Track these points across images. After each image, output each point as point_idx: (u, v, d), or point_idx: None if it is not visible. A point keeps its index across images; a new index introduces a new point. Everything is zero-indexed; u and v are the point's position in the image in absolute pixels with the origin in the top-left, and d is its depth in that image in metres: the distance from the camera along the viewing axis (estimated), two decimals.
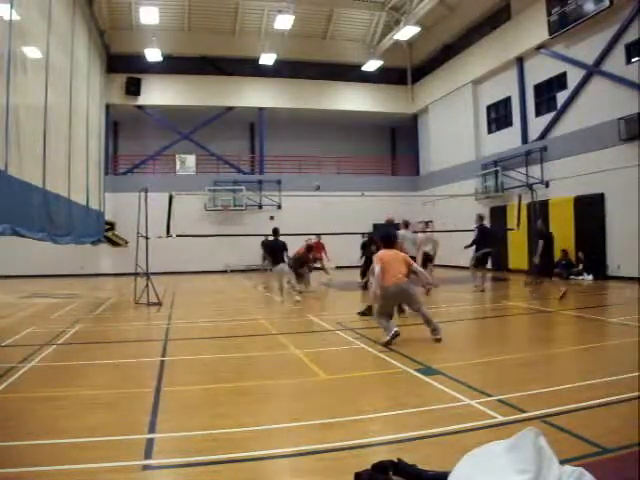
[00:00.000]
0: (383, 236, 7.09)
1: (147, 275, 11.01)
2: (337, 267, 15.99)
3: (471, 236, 13.00)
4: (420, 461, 2.63)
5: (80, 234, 13.26)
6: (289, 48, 22.32)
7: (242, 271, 21.41)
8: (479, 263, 12.53)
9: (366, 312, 8.32)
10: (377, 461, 2.58)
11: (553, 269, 10.99)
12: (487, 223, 15.00)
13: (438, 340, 6.37)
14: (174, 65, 22.29)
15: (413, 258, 11.95)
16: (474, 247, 12.63)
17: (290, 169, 23.99)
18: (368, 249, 13.54)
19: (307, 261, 13.48)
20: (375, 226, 21.41)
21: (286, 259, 11.50)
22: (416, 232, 12.76)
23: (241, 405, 4.15)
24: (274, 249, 11.52)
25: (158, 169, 22.96)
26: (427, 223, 13.81)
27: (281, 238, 11.64)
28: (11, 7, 8.17)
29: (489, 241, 12.72)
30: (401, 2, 20.54)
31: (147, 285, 10.84)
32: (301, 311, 9.76)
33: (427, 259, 12.53)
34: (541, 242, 10.50)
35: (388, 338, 6.18)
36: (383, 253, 6.68)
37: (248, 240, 20.51)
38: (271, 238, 11.97)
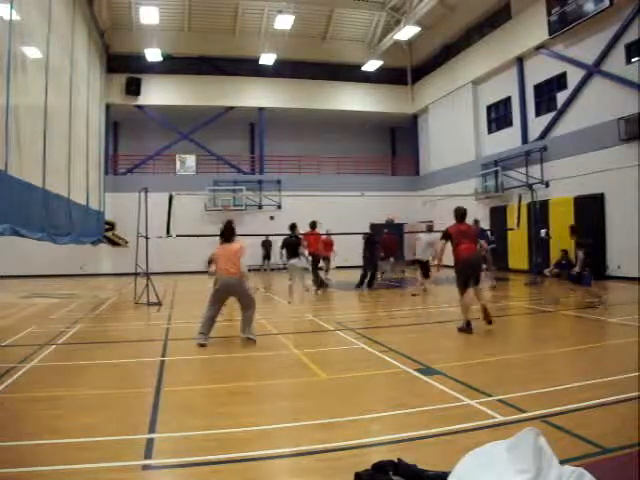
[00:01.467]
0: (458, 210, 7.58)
1: (147, 275, 11.01)
2: (336, 267, 15.97)
3: None
4: (420, 461, 2.63)
5: (80, 234, 13.27)
6: (289, 48, 22.33)
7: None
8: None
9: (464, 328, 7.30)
10: (377, 461, 2.57)
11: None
12: (483, 226, 15.01)
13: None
14: (174, 65, 22.30)
15: (424, 263, 12.45)
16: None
17: (290, 169, 23.99)
18: (368, 248, 13.58)
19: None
20: (375, 226, 21.43)
21: (301, 255, 11.19)
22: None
23: (241, 405, 4.15)
24: (289, 244, 11.27)
25: (158, 169, 22.96)
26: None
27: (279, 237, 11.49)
28: (11, 7, 8.17)
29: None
30: (401, 2, 20.55)
31: (147, 285, 10.84)
32: (301, 311, 9.76)
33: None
34: (581, 253, 10.23)
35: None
36: (455, 228, 7.29)
37: (248, 240, 20.49)
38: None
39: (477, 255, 7.48)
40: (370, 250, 13.50)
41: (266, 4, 20.90)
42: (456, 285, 7.44)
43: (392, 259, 15.28)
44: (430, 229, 12.97)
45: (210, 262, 7.30)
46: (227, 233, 6.86)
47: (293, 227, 11.41)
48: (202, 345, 6.43)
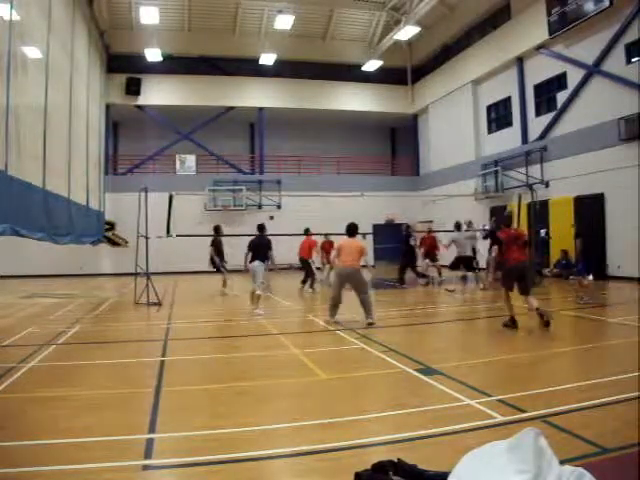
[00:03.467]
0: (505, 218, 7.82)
1: (147, 275, 11.01)
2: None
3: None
4: (420, 461, 2.63)
5: (80, 234, 13.27)
6: (289, 48, 22.34)
7: (242, 271, 21.38)
8: (454, 266, 13.17)
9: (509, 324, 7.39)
10: (377, 461, 2.57)
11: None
12: (482, 226, 15.06)
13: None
14: (174, 65, 22.30)
15: (469, 258, 12.79)
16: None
17: (290, 169, 24.00)
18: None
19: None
20: (375, 226, 21.44)
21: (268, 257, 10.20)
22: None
23: (241, 405, 4.15)
24: (259, 245, 10.29)
25: (158, 169, 22.95)
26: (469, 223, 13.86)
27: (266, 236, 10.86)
28: (11, 7, 8.17)
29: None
30: (401, 2, 20.54)
31: (147, 285, 10.84)
32: (301, 311, 9.76)
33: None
34: (578, 242, 10.56)
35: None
36: (507, 235, 7.41)
37: (248, 240, 20.50)
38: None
39: (524, 261, 7.52)
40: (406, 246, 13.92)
41: (266, 4, 20.89)
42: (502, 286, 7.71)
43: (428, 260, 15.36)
44: (459, 227, 13.19)
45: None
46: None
47: (262, 228, 10.77)
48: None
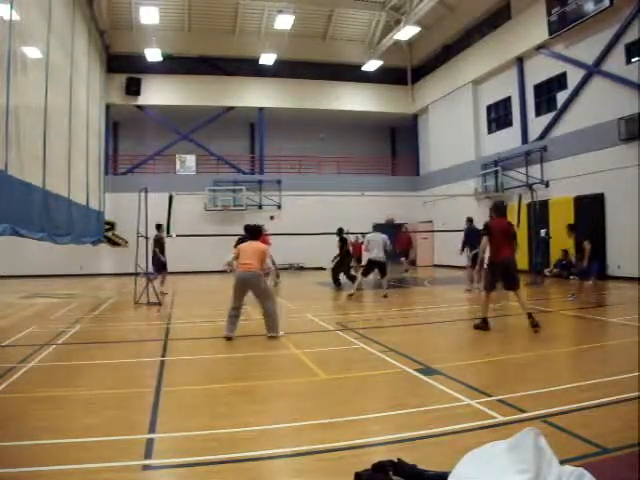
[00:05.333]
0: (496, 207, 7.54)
1: (147, 275, 11.01)
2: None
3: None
4: (420, 461, 2.63)
5: (80, 234, 13.27)
6: (289, 48, 22.33)
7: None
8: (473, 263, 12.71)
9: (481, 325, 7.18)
10: (377, 461, 2.57)
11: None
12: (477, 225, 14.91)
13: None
14: (174, 65, 22.30)
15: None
16: (466, 248, 12.78)
17: (290, 169, 24.00)
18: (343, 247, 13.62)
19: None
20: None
21: None
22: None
23: (241, 405, 4.15)
24: None
25: (158, 169, 22.95)
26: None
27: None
28: (11, 7, 8.17)
29: (476, 241, 12.88)
30: (401, 2, 20.54)
31: (147, 285, 10.84)
32: (301, 311, 9.75)
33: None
34: (587, 243, 10.34)
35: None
36: (498, 225, 7.19)
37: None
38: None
39: (510, 257, 7.19)
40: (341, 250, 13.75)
41: (266, 4, 20.89)
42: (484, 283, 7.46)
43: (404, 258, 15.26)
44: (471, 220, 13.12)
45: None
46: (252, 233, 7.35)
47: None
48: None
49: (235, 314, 6.89)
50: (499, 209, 7.52)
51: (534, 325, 6.75)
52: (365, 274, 11.92)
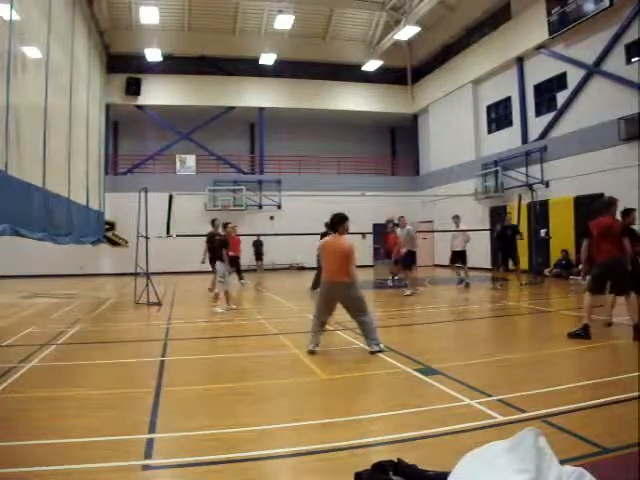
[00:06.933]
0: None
1: (147, 275, 11.01)
2: None
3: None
4: (420, 461, 2.63)
5: (80, 234, 13.26)
6: (289, 48, 22.34)
7: (242, 271, 21.37)
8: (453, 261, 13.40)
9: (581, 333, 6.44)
10: (377, 461, 2.57)
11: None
12: (483, 226, 14.92)
13: None
14: (174, 65, 22.30)
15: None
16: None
17: (290, 169, 23.99)
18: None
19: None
20: (375, 226, 21.44)
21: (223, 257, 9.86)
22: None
23: (241, 405, 4.15)
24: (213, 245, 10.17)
25: (158, 169, 22.96)
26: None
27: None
28: (11, 7, 8.17)
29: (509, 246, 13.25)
30: (401, 2, 20.53)
31: (147, 285, 10.84)
32: (301, 311, 9.76)
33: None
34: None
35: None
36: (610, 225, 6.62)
37: (248, 240, 20.52)
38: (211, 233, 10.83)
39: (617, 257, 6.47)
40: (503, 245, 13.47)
41: (266, 4, 20.89)
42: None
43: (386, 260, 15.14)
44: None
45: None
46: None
47: (214, 223, 10.37)
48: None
49: (321, 328, 6.11)
50: (606, 206, 6.91)
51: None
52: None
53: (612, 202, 7.02)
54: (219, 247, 9.92)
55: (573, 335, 6.35)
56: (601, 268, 6.54)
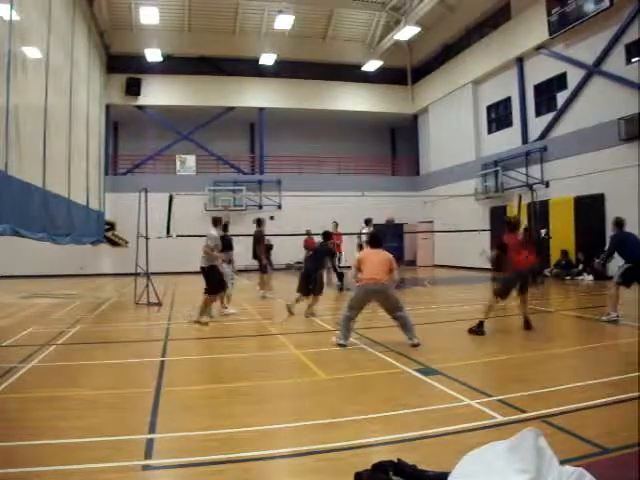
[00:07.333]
0: None
1: (147, 275, 11.00)
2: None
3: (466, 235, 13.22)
4: (420, 461, 2.63)
5: (80, 234, 13.25)
6: (289, 48, 22.33)
7: (242, 271, 21.37)
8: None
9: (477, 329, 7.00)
10: (377, 461, 2.58)
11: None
12: (483, 226, 14.71)
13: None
14: (174, 65, 22.30)
15: None
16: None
17: (290, 169, 23.99)
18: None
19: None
20: (375, 226, 21.43)
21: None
22: None
23: (241, 405, 4.15)
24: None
25: (158, 169, 22.95)
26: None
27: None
28: (11, 7, 8.16)
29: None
30: (401, 2, 20.54)
31: (147, 285, 10.84)
32: (301, 311, 9.75)
33: None
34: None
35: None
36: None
37: (248, 240, 20.51)
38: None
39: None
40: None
41: (266, 4, 20.89)
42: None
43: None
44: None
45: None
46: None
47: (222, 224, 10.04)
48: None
49: (351, 324, 6.50)
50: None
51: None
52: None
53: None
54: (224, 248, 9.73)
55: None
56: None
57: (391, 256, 6.56)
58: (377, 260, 6.40)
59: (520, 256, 7.10)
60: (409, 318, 6.35)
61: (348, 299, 6.67)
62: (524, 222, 13.42)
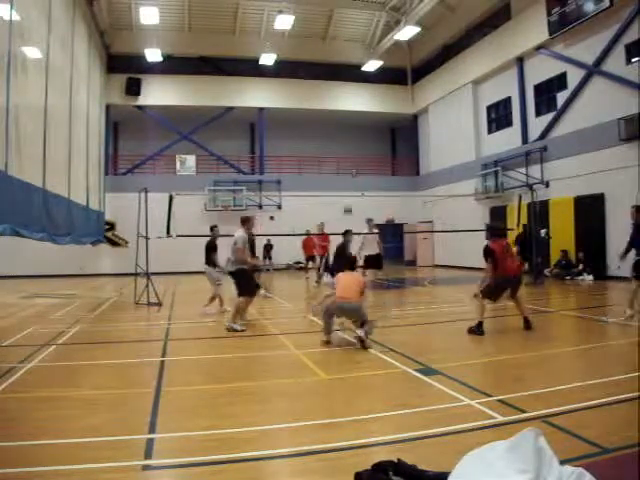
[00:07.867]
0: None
1: (147, 275, 11.00)
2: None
3: (466, 235, 13.19)
4: (420, 461, 2.63)
5: (80, 234, 13.26)
6: (289, 48, 22.34)
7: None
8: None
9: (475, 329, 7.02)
10: (377, 461, 2.58)
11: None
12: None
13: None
14: (174, 65, 22.30)
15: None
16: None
17: (290, 169, 24.00)
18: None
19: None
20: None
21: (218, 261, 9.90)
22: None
23: (241, 405, 4.15)
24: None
25: (158, 169, 22.96)
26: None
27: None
28: (11, 7, 8.17)
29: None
30: (401, 2, 20.54)
31: (147, 285, 10.84)
32: (301, 311, 9.76)
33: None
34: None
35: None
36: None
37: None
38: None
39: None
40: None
41: (266, 4, 20.89)
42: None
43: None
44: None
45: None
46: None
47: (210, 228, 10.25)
48: None
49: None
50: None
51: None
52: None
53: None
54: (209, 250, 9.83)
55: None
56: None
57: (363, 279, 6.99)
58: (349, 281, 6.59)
59: (507, 262, 7.17)
60: (372, 323, 6.47)
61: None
62: (516, 221, 13.40)
